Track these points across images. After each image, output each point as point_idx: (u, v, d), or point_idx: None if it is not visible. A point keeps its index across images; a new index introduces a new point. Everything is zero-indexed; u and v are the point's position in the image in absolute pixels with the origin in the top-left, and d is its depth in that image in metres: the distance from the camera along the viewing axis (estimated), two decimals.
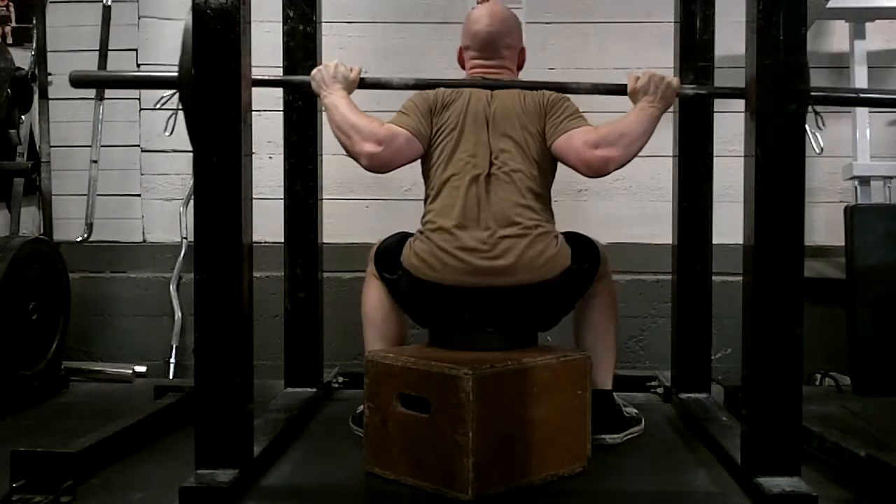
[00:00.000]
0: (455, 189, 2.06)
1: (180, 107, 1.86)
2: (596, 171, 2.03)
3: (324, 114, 2.58)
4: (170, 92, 1.90)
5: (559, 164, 2.15)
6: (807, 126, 1.74)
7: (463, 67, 2.29)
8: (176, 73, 1.82)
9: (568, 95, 2.16)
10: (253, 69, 1.79)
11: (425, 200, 2.15)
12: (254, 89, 1.79)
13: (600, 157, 2.00)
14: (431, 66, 3.05)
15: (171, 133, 1.88)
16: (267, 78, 2.24)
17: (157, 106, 1.95)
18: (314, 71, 2.14)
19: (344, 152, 3.24)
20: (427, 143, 2.12)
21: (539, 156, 2.09)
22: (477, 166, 2.06)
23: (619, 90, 2.11)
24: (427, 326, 2.15)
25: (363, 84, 2.15)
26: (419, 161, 2.17)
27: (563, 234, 2.11)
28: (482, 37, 2.21)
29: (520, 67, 2.30)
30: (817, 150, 1.82)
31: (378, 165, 2.06)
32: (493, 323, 2.03)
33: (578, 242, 2.14)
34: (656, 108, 2.04)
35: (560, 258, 2.05)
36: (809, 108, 1.78)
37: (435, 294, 2.05)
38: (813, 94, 1.78)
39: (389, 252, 2.16)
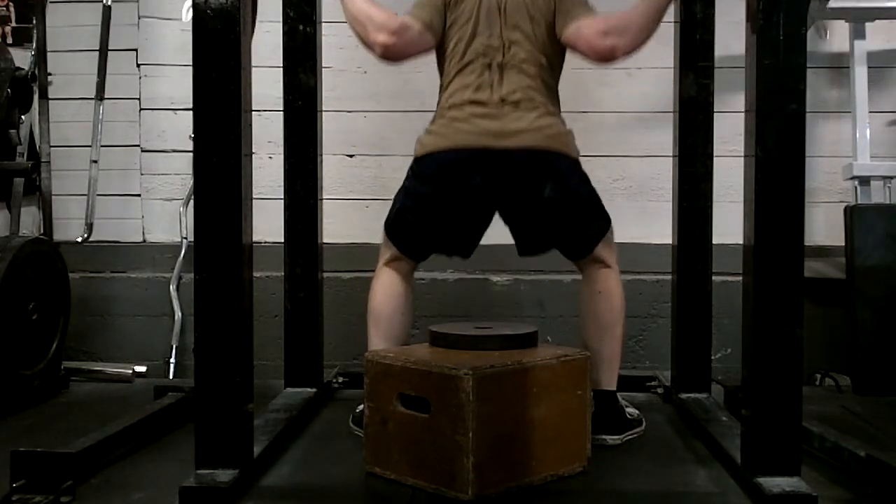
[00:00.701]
0: (469, 74, 2.15)
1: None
2: (603, 58, 2.12)
3: (323, 114, 2.59)
4: None
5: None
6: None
7: None
8: None
9: None
10: (253, 69, 1.79)
11: (440, 90, 2.23)
12: (254, 90, 1.79)
13: (608, 45, 2.07)
14: (432, 63, 3.04)
15: (189, 17, 1.92)
16: None
17: None
18: None
19: (344, 152, 3.25)
20: (440, 36, 2.20)
21: (547, 47, 2.17)
22: (489, 56, 2.15)
23: None
24: (432, 235, 2.17)
25: None
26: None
27: None
28: None
29: None
30: (825, 38, 1.78)
31: (391, 55, 2.16)
32: (502, 191, 2.11)
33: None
34: (664, 0, 2.08)
35: (568, 140, 2.15)
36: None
37: (444, 167, 2.11)
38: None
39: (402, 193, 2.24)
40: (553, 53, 2.19)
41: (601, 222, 2.21)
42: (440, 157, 2.12)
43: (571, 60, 2.25)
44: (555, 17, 2.16)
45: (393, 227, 2.24)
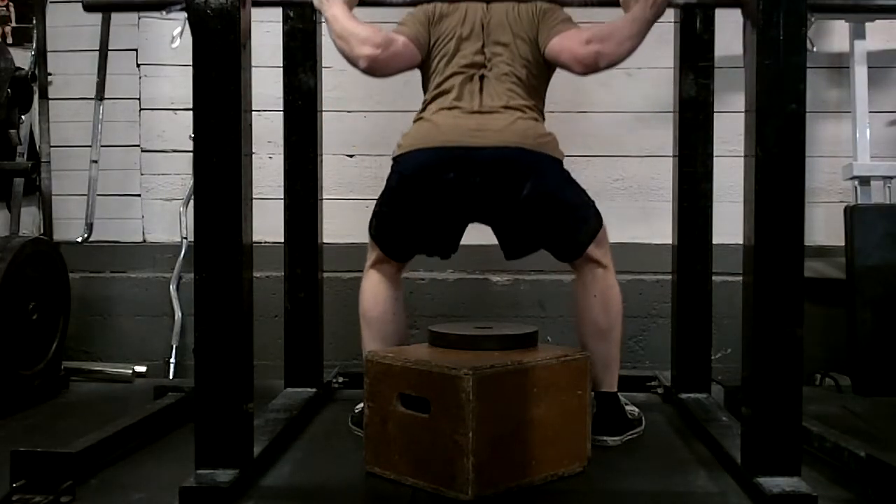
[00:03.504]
0: (450, 85, 2.15)
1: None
2: (587, 66, 2.09)
3: (323, 114, 2.59)
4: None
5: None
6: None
7: None
8: None
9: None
10: (253, 69, 1.79)
11: (422, 104, 2.22)
12: (254, 90, 1.79)
13: (592, 51, 2.05)
14: None
15: (178, 45, 1.92)
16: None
17: (164, 15, 1.96)
18: None
19: (344, 152, 3.25)
20: (426, 51, 2.21)
21: (531, 62, 2.17)
22: (472, 69, 2.15)
23: (612, 1, 2.13)
24: (410, 235, 2.16)
25: (363, 2, 2.19)
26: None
27: None
28: None
29: None
30: (812, 49, 1.78)
31: (376, 68, 2.14)
32: (477, 189, 2.06)
33: (583, 189, 2.19)
34: (648, 14, 2.05)
35: (549, 141, 2.11)
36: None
37: (419, 164, 2.08)
38: (810, 2, 1.73)
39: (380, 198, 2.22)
40: (537, 68, 2.18)
41: (590, 223, 2.16)
42: (415, 155, 2.10)
43: None
44: (538, 34, 2.16)
45: (373, 227, 2.22)
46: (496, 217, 2.15)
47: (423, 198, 2.10)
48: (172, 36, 1.95)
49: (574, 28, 2.15)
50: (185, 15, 1.79)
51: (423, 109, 2.19)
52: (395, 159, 2.15)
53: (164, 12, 1.93)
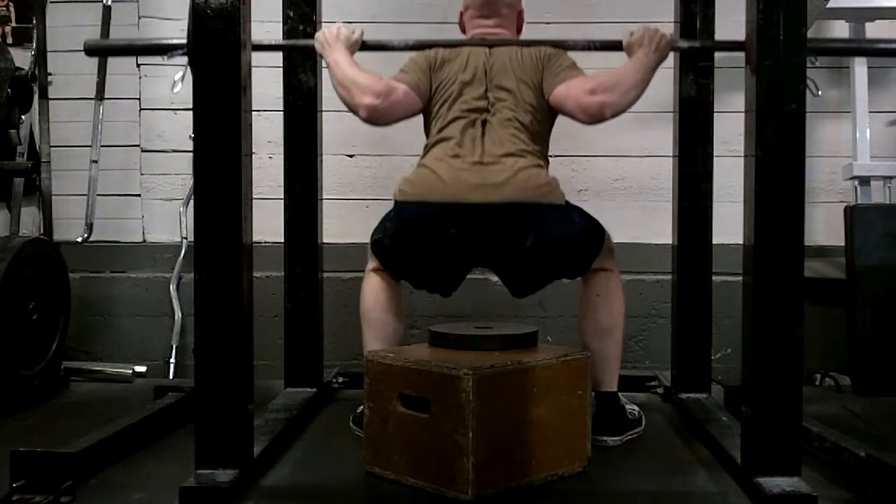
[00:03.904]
0: (452, 130, 2.12)
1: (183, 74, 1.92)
2: (593, 116, 2.07)
3: (323, 114, 2.60)
4: (177, 50, 1.94)
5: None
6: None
7: (464, 32, 2.35)
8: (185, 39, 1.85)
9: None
10: (253, 69, 1.79)
11: (423, 148, 2.20)
12: (254, 90, 1.79)
13: (597, 102, 2.04)
14: None
15: (178, 90, 1.95)
16: (268, 43, 2.25)
17: (165, 59, 1.97)
18: (318, 33, 2.21)
19: (344, 152, 3.25)
20: (427, 98, 2.19)
21: (535, 107, 2.14)
22: (474, 114, 2.13)
23: (615, 46, 2.12)
24: (410, 275, 2.17)
25: (365, 46, 2.21)
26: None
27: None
28: None
29: (519, 30, 2.35)
30: (816, 94, 1.79)
31: (377, 117, 2.13)
32: (479, 243, 2.05)
33: (582, 212, 2.17)
34: (652, 60, 2.06)
35: (550, 189, 2.07)
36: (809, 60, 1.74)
37: (421, 217, 2.07)
38: (811, 45, 1.74)
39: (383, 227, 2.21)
40: (541, 113, 2.15)
41: (593, 243, 2.15)
42: (418, 207, 2.07)
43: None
44: (542, 80, 2.15)
45: (375, 248, 2.22)
46: (499, 266, 2.16)
47: (424, 249, 2.10)
48: (174, 80, 1.97)
49: (579, 75, 2.13)
50: (187, 59, 1.82)
51: (425, 155, 2.16)
52: (397, 202, 2.13)
53: (164, 57, 1.95)
